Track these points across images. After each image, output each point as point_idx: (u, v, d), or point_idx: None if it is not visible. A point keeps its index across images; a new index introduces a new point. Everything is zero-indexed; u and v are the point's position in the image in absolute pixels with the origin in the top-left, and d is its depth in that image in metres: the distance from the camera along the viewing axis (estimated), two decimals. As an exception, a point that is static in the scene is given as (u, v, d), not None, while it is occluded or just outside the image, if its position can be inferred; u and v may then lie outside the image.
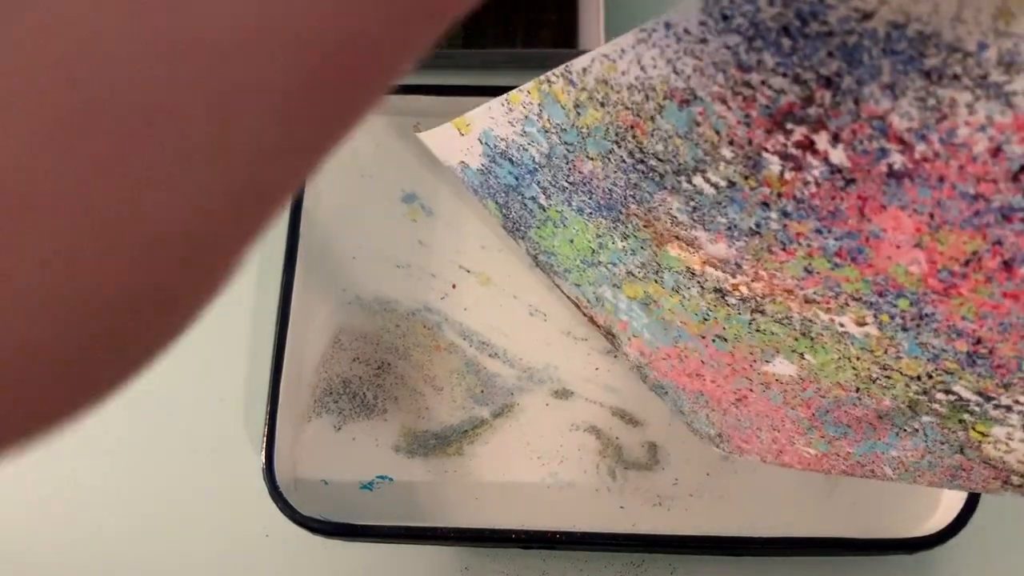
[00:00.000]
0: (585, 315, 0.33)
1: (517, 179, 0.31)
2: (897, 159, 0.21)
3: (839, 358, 0.25)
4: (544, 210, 0.31)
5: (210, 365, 0.36)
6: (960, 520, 0.31)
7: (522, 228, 0.32)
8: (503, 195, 0.32)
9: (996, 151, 0.19)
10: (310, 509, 0.32)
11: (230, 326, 0.37)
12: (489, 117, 0.30)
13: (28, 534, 0.35)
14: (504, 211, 0.33)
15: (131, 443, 0.36)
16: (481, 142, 0.31)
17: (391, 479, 0.34)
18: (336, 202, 0.38)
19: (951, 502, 0.32)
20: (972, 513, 0.31)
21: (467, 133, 0.31)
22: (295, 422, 0.34)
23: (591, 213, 0.29)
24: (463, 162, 0.32)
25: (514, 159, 0.30)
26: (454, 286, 0.36)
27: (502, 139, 0.30)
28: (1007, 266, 0.21)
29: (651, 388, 0.32)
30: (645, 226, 0.27)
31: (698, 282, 0.27)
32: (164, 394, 0.36)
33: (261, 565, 0.34)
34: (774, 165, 0.23)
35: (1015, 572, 0.33)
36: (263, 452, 0.32)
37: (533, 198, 0.31)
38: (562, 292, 0.34)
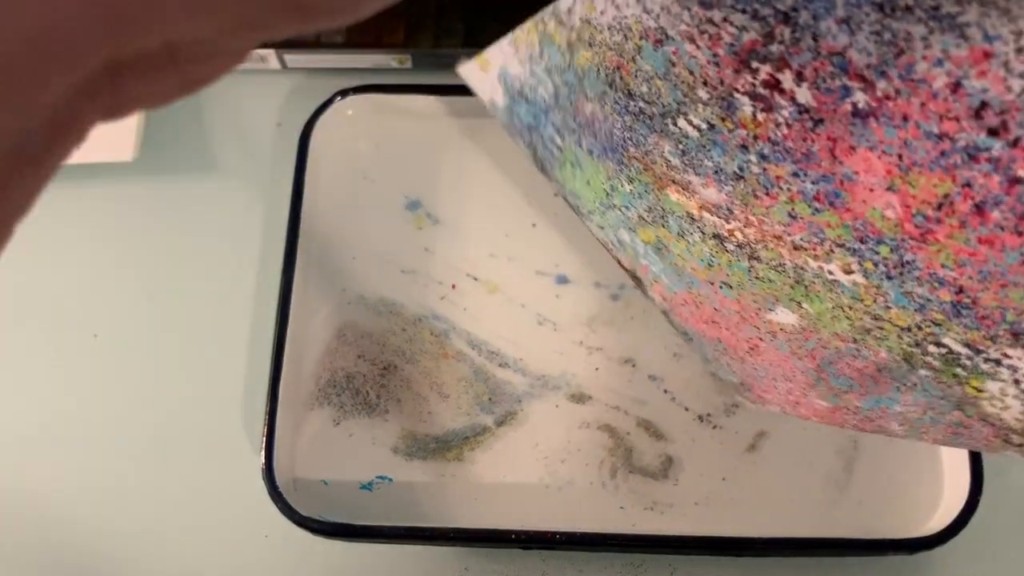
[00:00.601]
0: (613, 257, 0.33)
1: (535, 118, 0.31)
2: (860, 97, 0.21)
3: (833, 307, 0.26)
4: (561, 151, 0.31)
5: (210, 365, 0.36)
6: (960, 520, 0.31)
7: (548, 169, 0.33)
8: (527, 134, 0.32)
9: (955, 86, 0.19)
10: (310, 509, 0.32)
11: (230, 326, 0.37)
12: (502, 55, 0.31)
13: (27, 534, 0.35)
14: (531, 150, 0.33)
15: (131, 443, 0.36)
16: (499, 81, 0.31)
17: (391, 479, 0.34)
18: (337, 203, 0.38)
19: (951, 502, 0.32)
20: (972, 513, 0.31)
21: (488, 71, 0.32)
22: (296, 410, 0.34)
23: (599, 155, 0.29)
24: (492, 99, 0.33)
25: (528, 98, 0.31)
26: (454, 286, 0.36)
27: (516, 78, 0.31)
28: (979, 209, 0.21)
29: (678, 333, 0.33)
30: (645, 169, 0.28)
31: (698, 227, 0.27)
32: (164, 394, 0.36)
33: (261, 565, 0.34)
34: (746, 106, 0.23)
35: (1015, 572, 0.33)
36: (263, 452, 0.32)
37: (551, 138, 0.31)
38: (593, 235, 0.34)
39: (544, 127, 0.31)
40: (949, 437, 0.26)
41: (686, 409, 0.34)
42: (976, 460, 0.31)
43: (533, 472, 0.34)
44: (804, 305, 0.26)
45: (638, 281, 0.33)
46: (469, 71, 0.33)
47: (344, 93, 0.38)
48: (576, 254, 0.37)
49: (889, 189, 0.22)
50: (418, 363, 0.35)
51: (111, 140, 0.39)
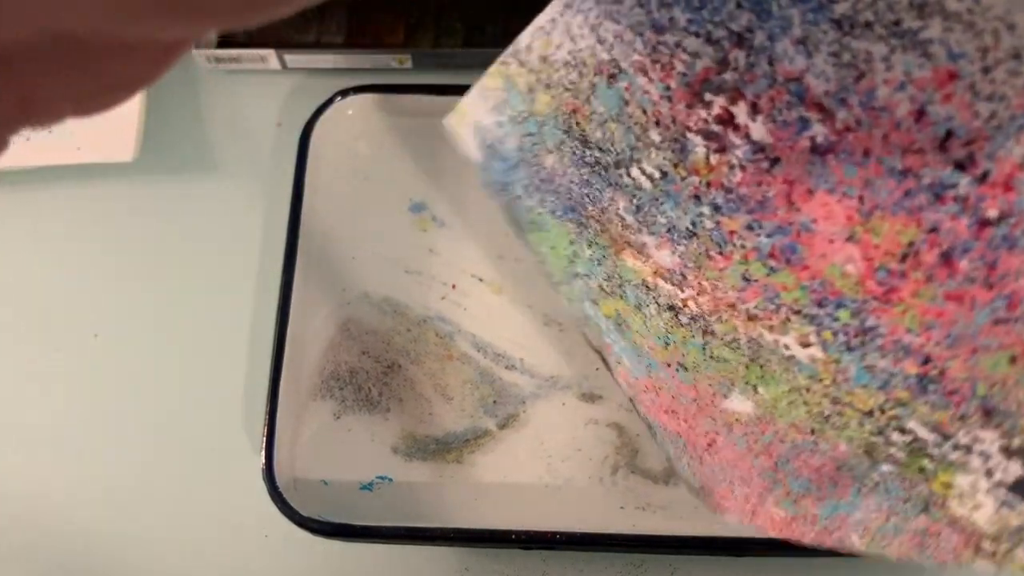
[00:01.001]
0: (582, 335, 0.32)
1: (505, 176, 0.30)
2: (819, 131, 0.20)
3: (790, 390, 0.24)
4: (528, 212, 0.30)
5: (210, 365, 0.36)
6: (960, 520, 0.31)
7: (521, 232, 0.32)
8: (501, 195, 0.31)
9: (919, 114, 0.18)
10: (310, 509, 0.32)
11: (230, 326, 0.37)
12: (475, 106, 0.29)
13: (27, 534, 0.35)
14: (507, 213, 0.32)
15: (131, 443, 0.36)
16: (474, 135, 0.30)
17: (391, 479, 0.34)
18: (337, 203, 0.38)
19: (951, 502, 0.32)
20: (972, 513, 0.31)
21: (465, 125, 0.30)
22: (298, 400, 0.34)
23: (561, 216, 0.29)
24: (471, 156, 0.32)
25: (500, 154, 0.30)
26: (454, 286, 0.36)
27: (487, 130, 0.29)
28: (946, 259, 0.20)
29: (644, 422, 0.32)
30: (602, 231, 0.27)
31: (653, 298, 0.27)
32: (164, 394, 0.36)
33: (261, 565, 0.34)
34: (699, 147, 0.22)
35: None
36: (263, 452, 0.32)
37: (519, 197, 0.30)
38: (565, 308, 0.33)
39: (513, 186, 0.30)
40: (914, 549, 0.24)
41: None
42: (976, 460, 0.31)
43: (534, 472, 0.34)
44: (760, 390, 0.25)
45: (605, 363, 0.32)
46: (453, 124, 0.32)
47: (344, 93, 0.38)
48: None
49: (850, 239, 0.21)
50: (422, 364, 0.35)
51: (111, 140, 0.39)
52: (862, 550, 0.26)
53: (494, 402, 0.34)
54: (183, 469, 0.35)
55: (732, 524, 0.32)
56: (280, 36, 0.41)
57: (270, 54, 0.41)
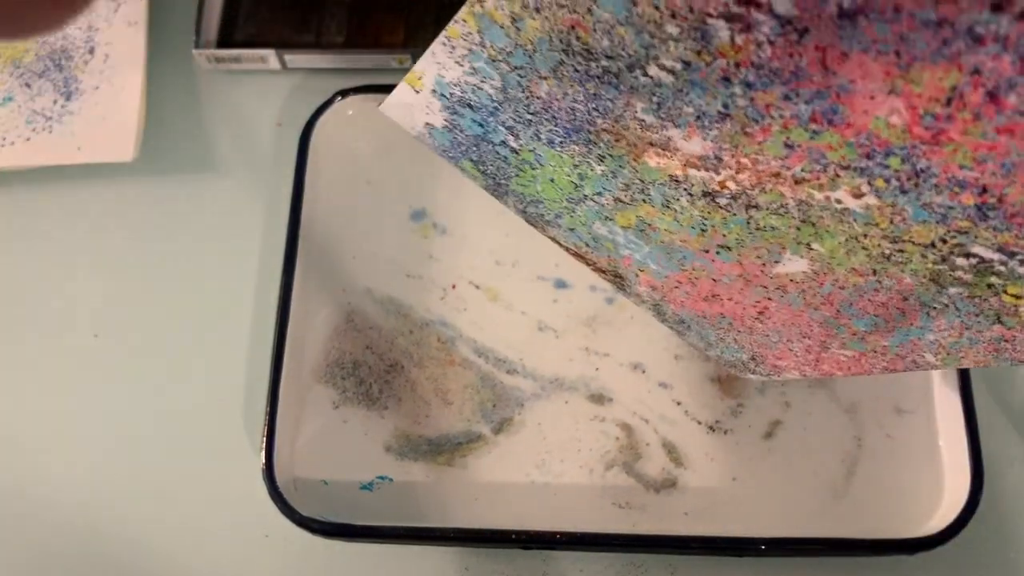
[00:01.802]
0: (588, 263, 0.32)
1: (482, 125, 0.29)
2: None
3: (846, 240, 0.24)
4: (517, 153, 0.29)
5: (210, 365, 0.36)
6: (960, 520, 0.31)
7: (503, 182, 0.31)
8: (475, 149, 0.30)
9: None
10: (310, 509, 0.32)
11: (230, 326, 0.37)
12: (436, 63, 0.28)
13: (27, 534, 0.35)
14: (481, 168, 0.30)
15: (131, 443, 0.36)
16: (437, 94, 0.29)
17: (391, 479, 0.34)
18: (337, 203, 0.38)
19: (951, 502, 0.32)
20: (972, 513, 0.31)
21: (421, 89, 0.29)
22: (300, 383, 0.35)
23: (562, 142, 0.27)
24: (428, 123, 0.30)
25: (473, 103, 0.28)
26: (454, 286, 0.36)
27: (455, 84, 0.28)
28: (992, 97, 0.19)
29: (671, 326, 0.31)
30: (617, 140, 0.26)
31: (685, 189, 0.26)
32: (164, 394, 0.36)
33: (261, 565, 0.34)
34: (722, 31, 0.21)
35: (1015, 572, 0.33)
36: (263, 452, 0.32)
37: (503, 142, 0.29)
38: (560, 245, 0.32)
39: (494, 132, 0.29)
40: (990, 355, 0.24)
41: (698, 423, 0.34)
42: (976, 460, 0.31)
43: (532, 472, 0.34)
44: (814, 246, 0.24)
45: (620, 280, 0.31)
46: (394, 103, 0.30)
47: (344, 93, 0.38)
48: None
49: (891, 92, 0.20)
50: (424, 368, 0.35)
51: (111, 140, 0.39)
52: (938, 365, 0.26)
53: (493, 406, 0.34)
54: (183, 469, 0.35)
55: (732, 527, 0.32)
56: (280, 36, 0.41)
57: (270, 54, 0.41)
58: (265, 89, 0.42)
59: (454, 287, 0.36)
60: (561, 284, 0.36)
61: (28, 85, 0.40)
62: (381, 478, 0.34)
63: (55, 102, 0.40)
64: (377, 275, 0.37)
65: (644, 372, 0.35)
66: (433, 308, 0.36)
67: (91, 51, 0.41)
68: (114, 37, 0.41)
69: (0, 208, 0.40)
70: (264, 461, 0.32)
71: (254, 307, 0.37)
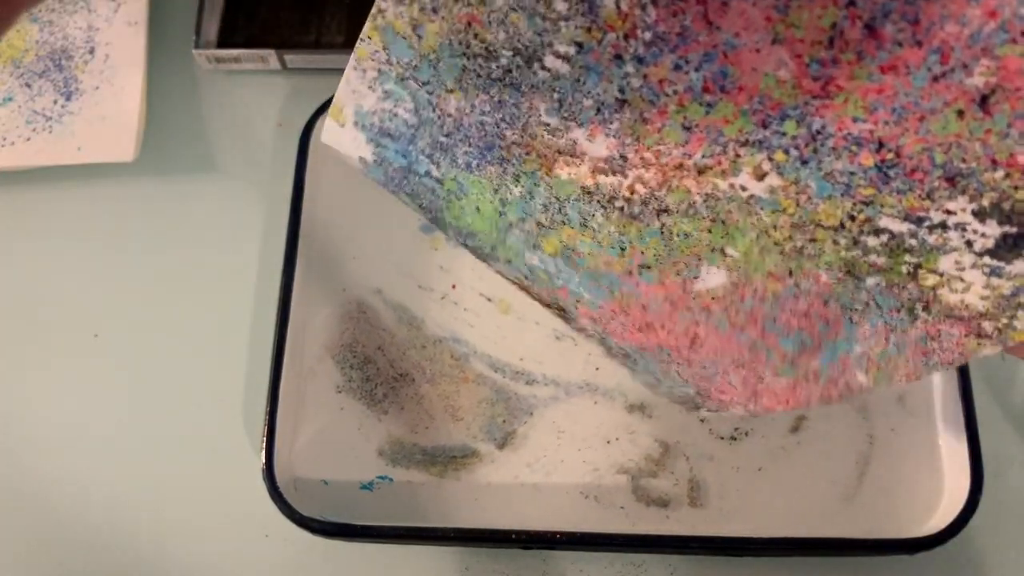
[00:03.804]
0: (533, 297, 0.32)
1: (405, 156, 0.29)
2: None
3: (758, 236, 0.24)
4: (441, 183, 0.29)
5: (210, 365, 0.36)
6: (960, 520, 0.31)
7: (438, 216, 0.30)
8: (405, 182, 0.30)
9: None
10: (310, 509, 0.32)
11: (230, 326, 0.37)
12: (352, 92, 0.28)
13: (27, 534, 0.35)
14: (416, 201, 0.30)
15: (131, 443, 0.36)
16: (359, 126, 0.29)
17: (391, 479, 0.34)
18: (338, 203, 0.38)
19: (951, 502, 0.32)
20: (972, 513, 0.31)
21: (345, 122, 0.29)
22: (306, 363, 0.35)
23: (479, 164, 0.28)
24: (360, 157, 0.30)
25: (392, 132, 0.28)
26: (453, 287, 0.36)
27: (373, 113, 0.28)
28: (870, 30, 0.19)
29: (620, 362, 0.31)
30: (527, 154, 0.26)
31: (598, 202, 0.26)
32: (164, 394, 0.36)
33: (261, 565, 0.34)
34: (607, 1, 0.22)
35: (1015, 572, 0.33)
36: (263, 452, 0.32)
37: (427, 173, 0.29)
38: (506, 279, 0.32)
39: (417, 162, 0.28)
40: (921, 362, 0.24)
41: (721, 438, 0.34)
42: (976, 460, 0.31)
43: (535, 474, 0.34)
44: (728, 250, 0.25)
45: (563, 313, 0.31)
46: (331, 136, 0.30)
47: (344, 93, 0.38)
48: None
49: (775, 42, 0.20)
50: (437, 384, 0.35)
51: (111, 140, 0.39)
52: (871, 386, 0.25)
53: (503, 421, 0.34)
54: (183, 469, 0.35)
55: (732, 527, 0.32)
56: (280, 36, 0.41)
57: (270, 54, 0.41)
58: (265, 89, 0.42)
59: (454, 287, 0.36)
60: None
61: (28, 85, 0.40)
62: (381, 478, 0.34)
63: (55, 102, 0.40)
64: (385, 278, 0.37)
65: (659, 380, 0.35)
66: (445, 324, 0.36)
67: (91, 51, 0.41)
68: (114, 37, 0.41)
69: (0, 208, 0.40)
70: (264, 461, 0.32)
71: (254, 307, 0.37)
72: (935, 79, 0.20)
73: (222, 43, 0.41)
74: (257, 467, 0.33)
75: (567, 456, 0.34)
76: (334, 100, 0.28)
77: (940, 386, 0.33)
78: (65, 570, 0.34)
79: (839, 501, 0.33)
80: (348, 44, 0.40)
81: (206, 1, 0.41)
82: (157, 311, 0.38)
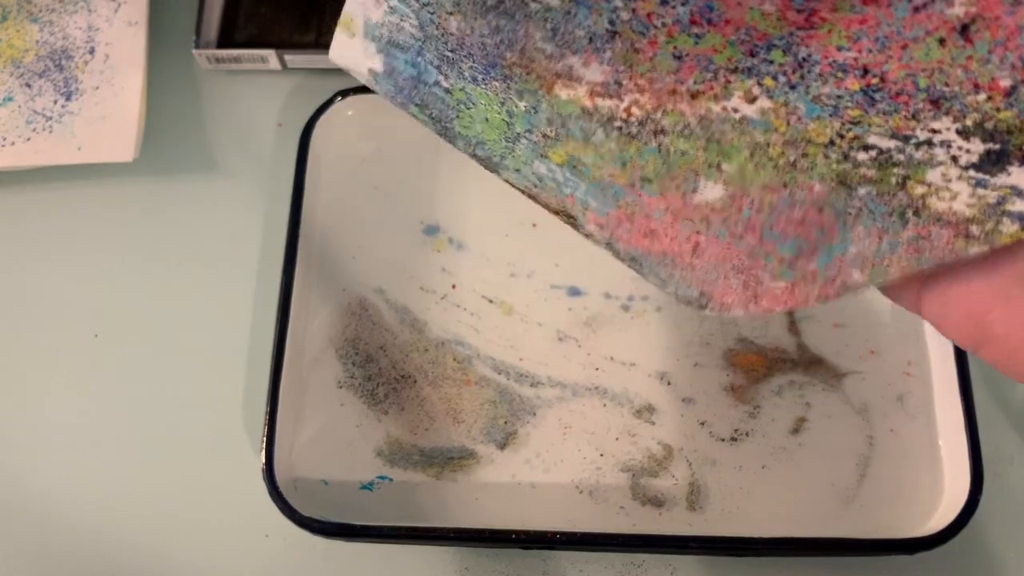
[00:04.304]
0: (542, 204, 0.32)
1: (415, 66, 0.29)
2: None
3: (751, 153, 0.25)
4: (450, 93, 0.29)
5: (210, 365, 0.36)
6: (960, 520, 0.31)
7: (448, 126, 0.31)
8: (416, 92, 0.30)
9: None
10: (310, 509, 0.32)
11: (230, 326, 0.37)
12: (360, 4, 0.29)
13: (27, 534, 0.35)
14: (427, 112, 0.31)
15: (131, 443, 0.36)
16: (369, 37, 0.29)
17: (391, 479, 0.34)
18: (338, 204, 0.38)
19: (951, 502, 0.32)
20: (972, 513, 0.31)
21: (356, 33, 0.29)
22: (305, 364, 0.35)
23: (484, 79, 0.28)
24: (371, 69, 0.30)
25: (400, 44, 0.29)
26: (454, 286, 0.36)
27: (381, 25, 0.29)
28: None
29: (628, 264, 0.32)
30: (528, 74, 0.27)
31: (597, 121, 0.27)
32: (164, 394, 0.36)
33: (261, 565, 0.34)
34: None
35: (1015, 572, 0.33)
36: (263, 452, 0.32)
37: (437, 82, 0.29)
38: (514, 187, 0.32)
39: (426, 72, 0.29)
40: (912, 260, 0.25)
41: (722, 440, 0.34)
42: (976, 460, 0.31)
43: (536, 474, 0.34)
44: (723, 166, 0.26)
45: (572, 219, 0.31)
46: (340, 50, 0.30)
47: (344, 93, 0.38)
48: (585, 260, 0.37)
49: None
50: (439, 387, 0.35)
51: (111, 141, 0.39)
52: (866, 282, 0.26)
53: (504, 422, 0.34)
54: (183, 469, 0.35)
55: (732, 527, 0.32)
56: (280, 36, 0.41)
57: (270, 54, 0.41)
58: (265, 89, 0.42)
59: (454, 287, 0.36)
60: (575, 292, 0.36)
61: (28, 85, 0.40)
62: (381, 478, 0.34)
63: (55, 102, 0.40)
64: (386, 278, 0.37)
65: (670, 384, 0.35)
66: (448, 327, 0.36)
67: (91, 51, 0.41)
68: (114, 37, 0.41)
69: (0, 208, 0.40)
70: (264, 461, 0.32)
71: (254, 307, 0.37)
72: (916, 10, 0.21)
73: (222, 43, 0.41)
74: (257, 467, 0.33)
75: (567, 455, 0.34)
76: (343, 12, 0.29)
77: (940, 386, 0.34)
78: (65, 570, 0.34)
79: (839, 502, 0.33)
80: (348, 44, 0.40)
81: (206, 1, 0.41)
82: (157, 311, 0.38)
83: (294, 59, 0.41)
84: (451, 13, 0.27)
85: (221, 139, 0.41)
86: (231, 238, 0.39)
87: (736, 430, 0.34)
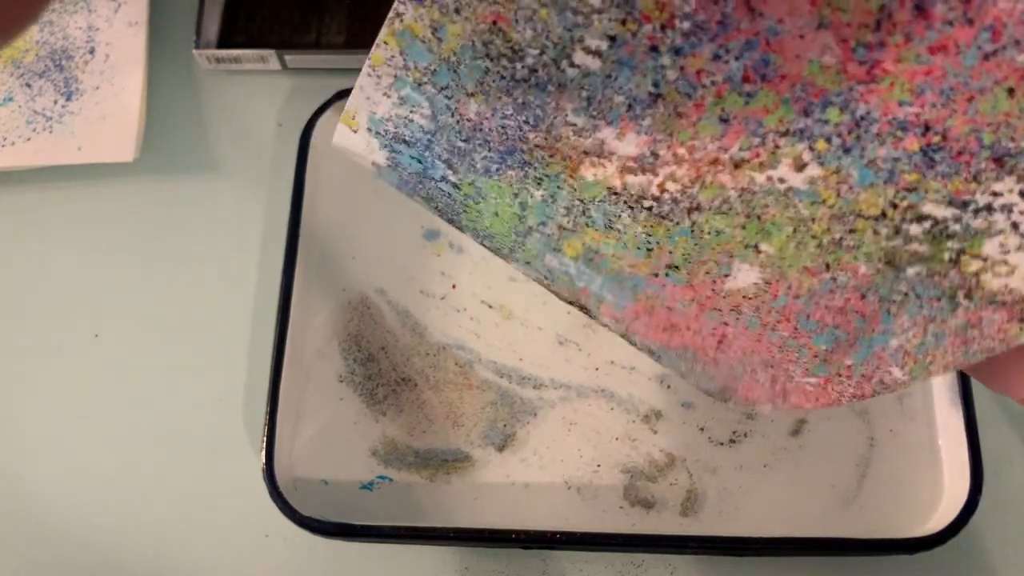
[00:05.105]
0: (554, 294, 0.31)
1: (420, 162, 0.28)
2: None
3: (794, 230, 0.23)
4: (458, 188, 0.28)
5: (210, 365, 0.36)
6: (960, 520, 0.31)
7: (454, 219, 0.30)
8: (420, 186, 0.29)
9: None
10: (310, 509, 0.32)
11: (230, 326, 0.37)
12: (365, 98, 0.27)
13: (27, 534, 0.35)
14: (432, 205, 0.30)
15: (131, 443, 0.36)
16: (372, 132, 0.28)
17: (391, 479, 0.34)
18: (338, 204, 0.38)
19: (951, 502, 0.32)
20: (972, 513, 0.31)
21: (358, 128, 0.28)
22: (307, 357, 0.35)
23: (499, 168, 0.27)
24: (374, 162, 0.29)
25: (407, 139, 0.27)
26: (454, 286, 0.36)
27: (387, 119, 0.27)
28: (920, 10, 0.19)
29: (644, 352, 0.31)
30: (551, 156, 0.25)
31: (624, 202, 0.25)
32: (164, 394, 0.36)
33: (261, 565, 0.34)
34: None
35: (1015, 572, 0.33)
36: (263, 452, 0.32)
37: (444, 178, 0.28)
38: (526, 276, 0.31)
39: (432, 167, 0.28)
40: (960, 353, 0.23)
41: (720, 444, 0.34)
42: (976, 460, 0.31)
43: (536, 474, 0.34)
44: (762, 246, 0.24)
45: (586, 310, 0.30)
46: (339, 141, 0.29)
47: (344, 93, 0.38)
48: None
49: (820, 26, 0.20)
50: (440, 391, 0.35)
51: (111, 141, 0.39)
52: (906, 381, 0.24)
53: (504, 425, 0.34)
54: (183, 469, 0.35)
55: (732, 527, 0.32)
56: (280, 36, 0.41)
57: (270, 54, 0.41)
58: (265, 89, 0.42)
59: (454, 287, 0.36)
60: None
61: (28, 85, 0.40)
62: (381, 478, 0.34)
63: (55, 102, 0.40)
64: (387, 279, 0.37)
65: (670, 387, 0.35)
66: (449, 331, 0.36)
67: (91, 51, 0.41)
68: (114, 37, 0.41)
69: (0, 208, 0.40)
70: (264, 461, 0.32)
71: (254, 307, 0.37)
72: (986, 57, 0.20)
73: (222, 43, 0.41)
74: (257, 467, 0.33)
75: (567, 455, 0.34)
76: (347, 106, 0.28)
77: (940, 387, 0.34)
78: (64, 569, 0.34)
79: (839, 502, 0.33)
80: (348, 44, 0.40)
81: (206, 1, 0.41)
82: (157, 311, 0.38)
83: (294, 59, 0.41)
84: (472, 95, 0.25)
85: (221, 139, 0.41)
86: (231, 238, 0.39)
87: (735, 432, 0.34)
